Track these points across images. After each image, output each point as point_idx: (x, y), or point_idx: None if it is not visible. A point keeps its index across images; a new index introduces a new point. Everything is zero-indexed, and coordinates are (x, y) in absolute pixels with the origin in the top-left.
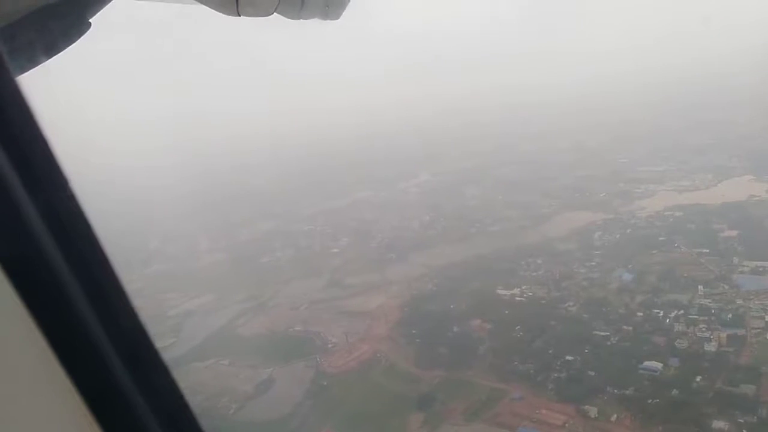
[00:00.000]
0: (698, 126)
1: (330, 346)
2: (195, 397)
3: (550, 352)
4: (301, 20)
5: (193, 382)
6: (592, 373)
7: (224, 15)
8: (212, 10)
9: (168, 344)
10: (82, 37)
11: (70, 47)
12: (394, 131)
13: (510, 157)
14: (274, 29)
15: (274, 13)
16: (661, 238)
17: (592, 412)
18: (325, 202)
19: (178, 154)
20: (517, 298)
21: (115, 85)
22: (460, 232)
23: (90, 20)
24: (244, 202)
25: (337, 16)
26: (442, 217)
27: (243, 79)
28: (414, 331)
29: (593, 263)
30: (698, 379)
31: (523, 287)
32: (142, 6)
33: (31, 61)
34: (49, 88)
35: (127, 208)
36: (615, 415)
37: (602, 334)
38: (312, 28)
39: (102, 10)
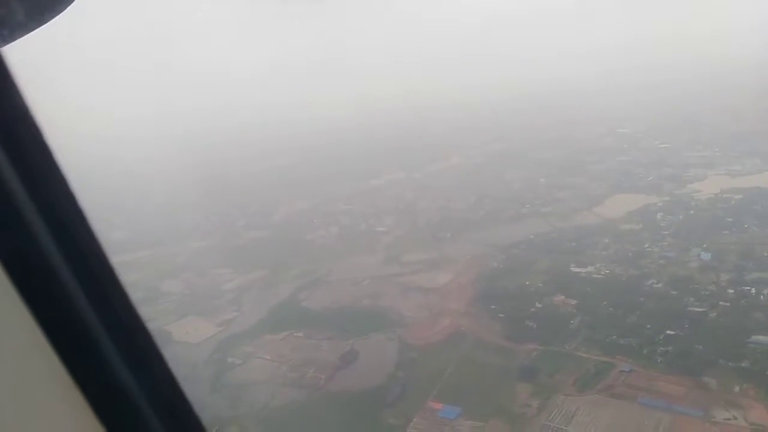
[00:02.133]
0: (731, 113)
1: (407, 320)
2: (279, 368)
3: (648, 327)
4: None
5: (272, 354)
6: (700, 347)
7: None
8: None
9: (231, 318)
10: (66, 9)
11: (54, 19)
12: (422, 116)
13: (544, 141)
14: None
15: None
16: (728, 219)
17: (712, 384)
18: (357, 183)
19: (203, 137)
20: (595, 276)
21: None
22: (512, 212)
23: None
24: (272, 181)
25: None
26: (487, 198)
27: (275, 66)
28: (493, 307)
29: (665, 243)
30: None
31: (597, 265)
32: None
33: (13, 33)
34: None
35: (156, 186)
36: (737, 387)
37: (698, 310)
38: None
39: None
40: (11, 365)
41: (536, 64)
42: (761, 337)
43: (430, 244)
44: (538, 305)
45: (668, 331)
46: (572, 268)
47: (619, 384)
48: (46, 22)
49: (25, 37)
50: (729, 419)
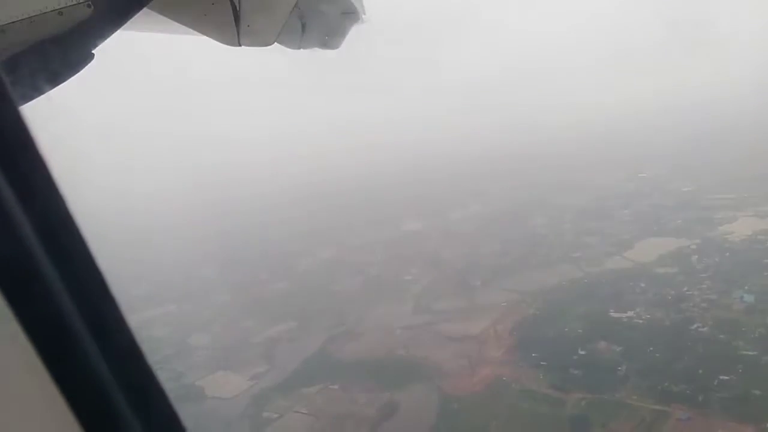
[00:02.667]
0: (748, 154)
1: (444, 370)
2: (317, 422)
3: (701, 372)
4: (301, 50)
5: (308, 407)
6: (757, 392)
7: (225, 45)
8: (213, 41)
9: (262, 371)
10: (85, 68)
11: (73, 77)
12: (434, 163)
13: (563, 186)
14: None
15: (275, 43)
16: (766, 261)
17: None
18: (376, 233)
19: (204, 185)
20: (636, 321)
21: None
22: (540, 258)
23: (93, 51)
24: (289, 232)
25: (336, 45)
26: (514, 245)
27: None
28: (534, 355)
29: (704, 286)
30: None
31: (637, 310)
32: (143, 38)
33: (34, 91)
34: (52, 118)
35: (174, 239)
36: None
37: (750, 353)
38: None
39: (104, 42)
40: None
41: (544, 111)
42: None
43: (461, 291)
44: (581, 352)
45: (722, 377)
46: (612, 314)
47: None
48: (64, 81)
49: (41, 96)
50: None
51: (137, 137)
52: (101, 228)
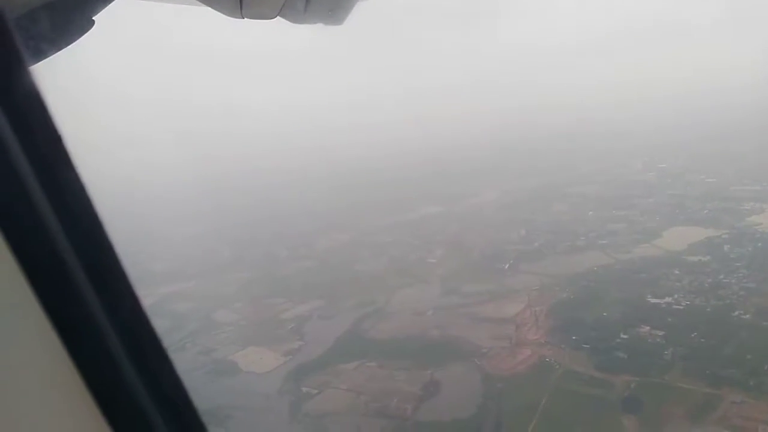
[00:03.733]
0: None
1: (483, 350)
2: (358, 399)
3: (749, 357)
4: (305, 24)
5: (347, 383)
6: None
7: (228, 17)
8: (216, 12)
9: (296, 347)
10: (85, 35)
11: (73, 44)
12: (448, 147)
13: (580, 176)
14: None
15: (277, 17)
16: None
17: None
18: (393, 215)
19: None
20: (675, 307)
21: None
22: (567, 244)
23: (93, 18)
24: (304, 215)
25: (340, 21)
26: (538, 231)
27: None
28: (575, 338)
29: (740, 275)
30: None
31: (675, 296)
32: (145, 6)
33: (34, 58)
34: (52, 85)
35: (187, 214)
36: None
37: None
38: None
39: (105, 9)
40: (22, 362)
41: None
42: None
43: (489, 275)
44: (623, 336)
45: None
46: (649, 299)
47: (734, 416)
48: (64, 48)
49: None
50: None
51: (152, 106)
52: (114, 201)
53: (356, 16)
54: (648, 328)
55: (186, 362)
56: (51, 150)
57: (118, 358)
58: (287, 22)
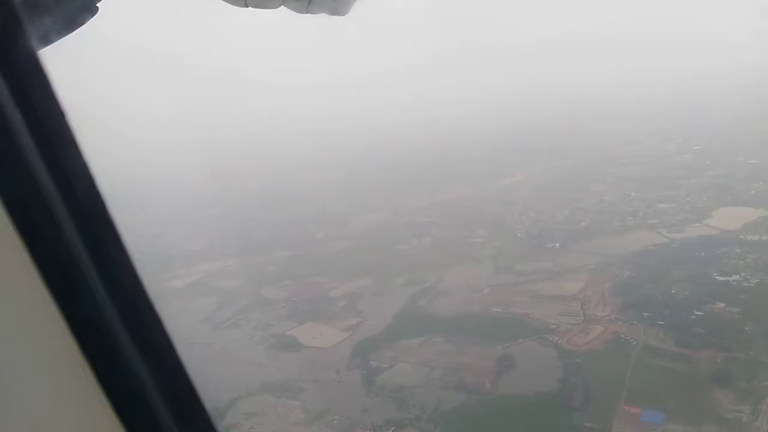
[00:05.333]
0: None
1: (551, 327)
2: (431, 373)
3: None
4: (309, 14)
5: (417, 358)
6: None
7: (232, 5)
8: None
9: (355, 323)
10: (89, 21)
11: (77, 30)
12: (476, 128)
13: (613, 159)
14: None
15: (282, 6)
16: None
17: None
18: (425, 196)
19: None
20: (745, 284)
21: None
22: (616, 224)
23: (97, 5)
24: (334, 197)
25: (344, 12)
26: (582, 211)
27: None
28: (647, 314)
29: None
30: None
31: (742, 274)
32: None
33: (38, 44)
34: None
35: (216, 195)
36: None
37: None
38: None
39: None
40: (35, 360)
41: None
42: None
43: (540, 254)
44: (698, 313)
45: None
46: (717, 277)
47: None
48: (69, 34)
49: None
50: None
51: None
52: (145, 181)
53: (360, 6)
54: (723, 304)
55: (243, 337)
56: (58, 136)
57: (129, 354)
58: (291, 11)
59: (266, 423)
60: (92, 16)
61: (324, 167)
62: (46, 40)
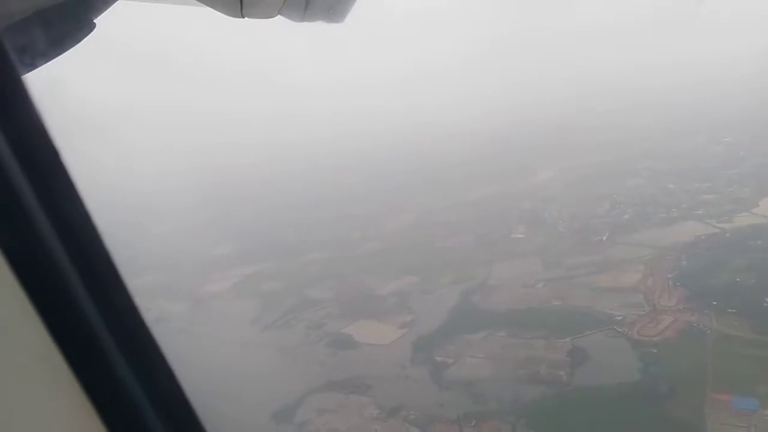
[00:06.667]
0: None
1: (617, 318)
2: (500, 366)
3: None
4: (305, 22)
5: (482, 352)
6: None
7: (228, 16)
8: (216, 12)
9: (409, 320)
10: (86, 38)
11: (74, 47)
12: (496, 127)
13: (642, 153)
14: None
15: (278, 15)
16: None
17: None
18: (453, 196)
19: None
20: None
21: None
22: (660, 215)
23: (94, 21)
24: (360, 198)
25: (341, 19)
26: (622, 204)
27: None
28: (715, 303)
29: None
30: None
31: None
32: (145, 7)
33: (35, 61)
34: (53, 87)
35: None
36: None
37: None
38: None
39: (106, 11)
40: (16, 364)
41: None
42: None
43: (587, 248)
44: None
45: None
46: None
47: None
48: (66, 51)
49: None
50: None
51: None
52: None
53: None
54: None
55: (297, 337)
56: (45, 157)
57: (113, 359)
58: (288, 20)
59: (340, 419)
60: (90, 32)
61: (343, 170)
62: (44, 58)
